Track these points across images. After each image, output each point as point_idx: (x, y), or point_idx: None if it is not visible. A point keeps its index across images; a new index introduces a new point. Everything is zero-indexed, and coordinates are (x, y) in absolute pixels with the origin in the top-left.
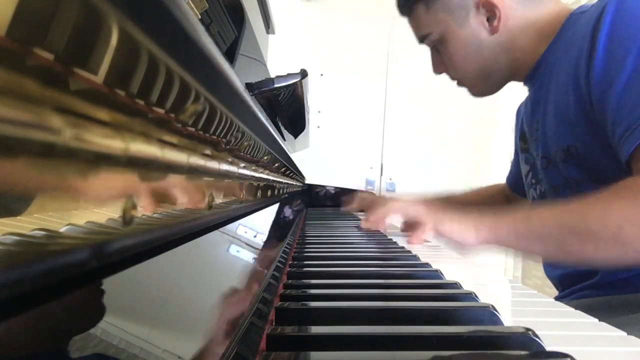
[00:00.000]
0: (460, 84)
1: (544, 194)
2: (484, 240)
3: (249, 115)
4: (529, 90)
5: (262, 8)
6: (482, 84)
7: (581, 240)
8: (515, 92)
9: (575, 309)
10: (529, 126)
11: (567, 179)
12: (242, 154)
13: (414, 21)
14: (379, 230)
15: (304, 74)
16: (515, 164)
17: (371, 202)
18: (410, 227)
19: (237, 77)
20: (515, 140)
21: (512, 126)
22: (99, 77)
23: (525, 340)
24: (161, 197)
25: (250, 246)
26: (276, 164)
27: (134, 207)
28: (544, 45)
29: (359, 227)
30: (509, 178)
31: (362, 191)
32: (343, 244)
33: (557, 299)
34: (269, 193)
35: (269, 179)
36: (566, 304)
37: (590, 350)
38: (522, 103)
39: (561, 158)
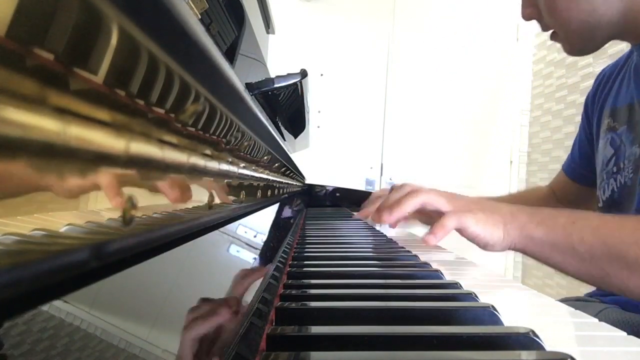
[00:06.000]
0: (554, 36)
1: (628, 187)
2: (512, 243)
3: (249, 115)
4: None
5: (262, 8)
6: (582, 40)
7: (629, 269)
8: (515, 93)
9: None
10: (639, 102)
11: None
12: (242, 154)
13: None
14: (379, 231)
15: (304, 74)
16: (581, 146)
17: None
18: (425, 216)
19: (237, 77)
20: (589, 116)
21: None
22: (99, 77)
23: (525, 340)
24: (161, 197)
25: (250, 246)
26: (276, 164)
27: (134, 207)
28: None
29: (364, 216)
30: (568, 164)
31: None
32: (343, 244)
33: (591, 295)
34: (269, 193)
35: (269, 179)
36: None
37: (590, 350)
38: (607, 70)
39: None
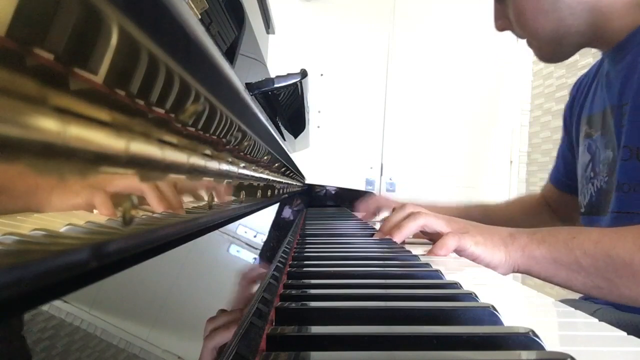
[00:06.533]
0: (529, 44)
1: (604, 190)
2: (515, 264)
3: (249, 115)
4: (612, 65)
5: (262, 8)
6: (552, 48)
7: (635, 277)
8: (515, 93)
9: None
10: (611, 107)
11: None
12: (242, 154)
13: None
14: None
15: (304, 74)
16: (564, 156)
17: (385, 205)
18: (427, 235)
19: (237, 77)
20: (567, 126)
21: (562, 109)
22: (99, 77)
23: (525, 340)
24: (161, 197)
25: (250, 246)
26: (276, 164)
27: (134, 207)
28: None
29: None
30: (554, 175)
31: (373, 194)
32: (343, 244)
33: (585, 299)
34: (269, 193)
35: (269, 179)
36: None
37: (590, 350)
38: (582, 80)
39: None
